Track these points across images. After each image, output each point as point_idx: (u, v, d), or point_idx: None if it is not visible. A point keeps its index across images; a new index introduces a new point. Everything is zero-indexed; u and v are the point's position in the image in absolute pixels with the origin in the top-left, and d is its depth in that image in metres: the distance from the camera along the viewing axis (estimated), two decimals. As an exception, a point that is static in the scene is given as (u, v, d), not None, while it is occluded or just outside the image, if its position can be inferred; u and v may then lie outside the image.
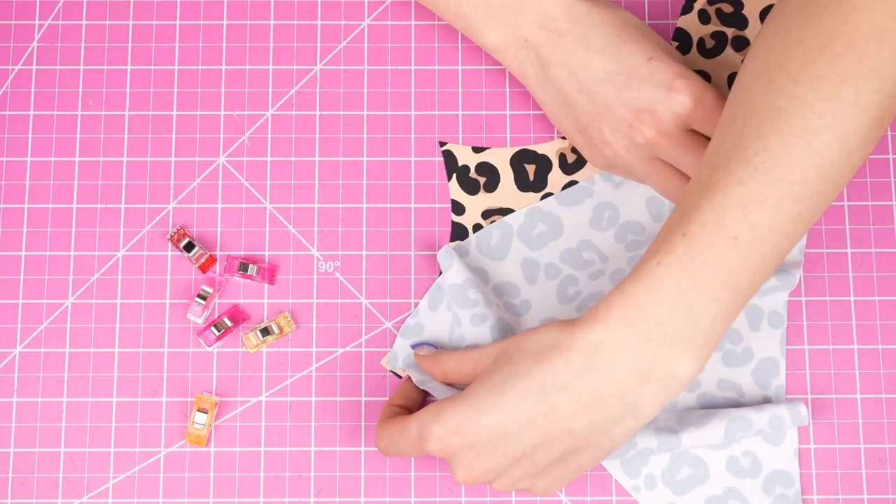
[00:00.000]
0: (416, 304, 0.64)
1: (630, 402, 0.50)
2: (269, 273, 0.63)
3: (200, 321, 0.63)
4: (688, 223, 0.49)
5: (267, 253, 0.65)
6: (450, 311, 0.62)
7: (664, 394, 0.50)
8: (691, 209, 0.50)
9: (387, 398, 0.63)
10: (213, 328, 0.62)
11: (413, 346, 0.62)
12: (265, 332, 0.62)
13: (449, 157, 0.66)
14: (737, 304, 0.49)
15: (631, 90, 0.57)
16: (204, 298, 0.62)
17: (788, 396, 0.63)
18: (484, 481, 0.53)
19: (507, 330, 0.61)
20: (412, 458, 0.62)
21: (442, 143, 0.66)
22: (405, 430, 0.54)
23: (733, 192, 0.48)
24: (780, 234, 0.49)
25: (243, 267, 0.63)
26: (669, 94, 0.56)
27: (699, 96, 0.57)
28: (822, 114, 0.48)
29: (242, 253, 0.65)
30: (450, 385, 0.60)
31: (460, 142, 0.66)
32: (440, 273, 0.64)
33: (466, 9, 0.59)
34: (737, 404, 0.62)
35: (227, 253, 0.65)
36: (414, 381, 0.60)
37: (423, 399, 0.62)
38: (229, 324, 0.62)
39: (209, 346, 0.63)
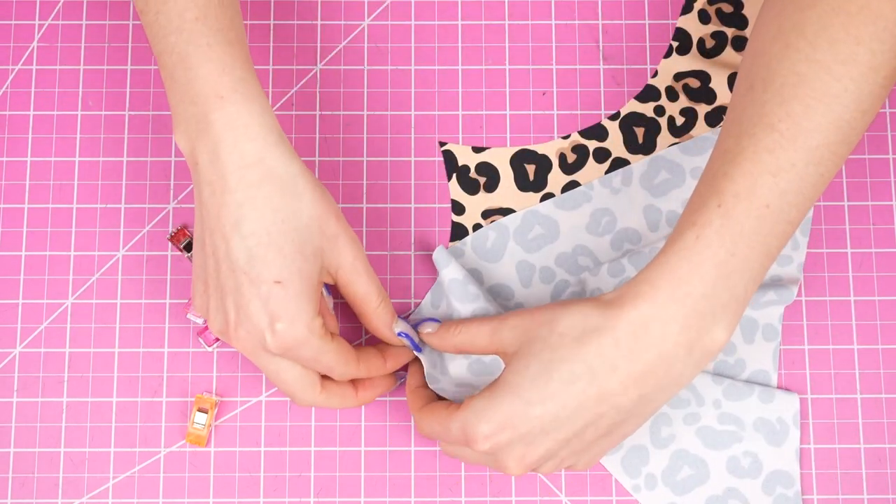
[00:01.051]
0: (417, 304, 0.64)
1: (676, 372, 0.50)
2: None
3: (200, 321, 0.63)
4: (721, 193, 0.50)
5: (267, 253, 0.65)
6: (451, 309, 0.62)
7: (704, 361, 0.51)
8: (721, 178, 0.50)
9: (386, 399, 0.63)
10: None
11: (415, 326, 0.60)
12: None
13: (449, 157, 0.66)
14: (765, 269, 0.51)
15: (244, 296, 0.52)
16: None
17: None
18: (535, 468, 0.53)
19: None
20: (412, 458, 0.63)
21: (442, 143, 0.66)
22: (447, 428, 0.53)
23: (762, 160, 0.49)
24: (805, 198, 0.50)
25: None
26: (267, 330, 0.52)
27: (293, 347, 0.53)
28: (840, 76, 0.49)
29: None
30: (461, 383, 0.60)
31: (460, 142, 0.66)
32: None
33: (170, 95, 0.54)
34: (727, 416, 0.62)
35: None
36: (426, 380, 0.59)
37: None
38: None
39: (209, 346, 0.63)
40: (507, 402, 0.51)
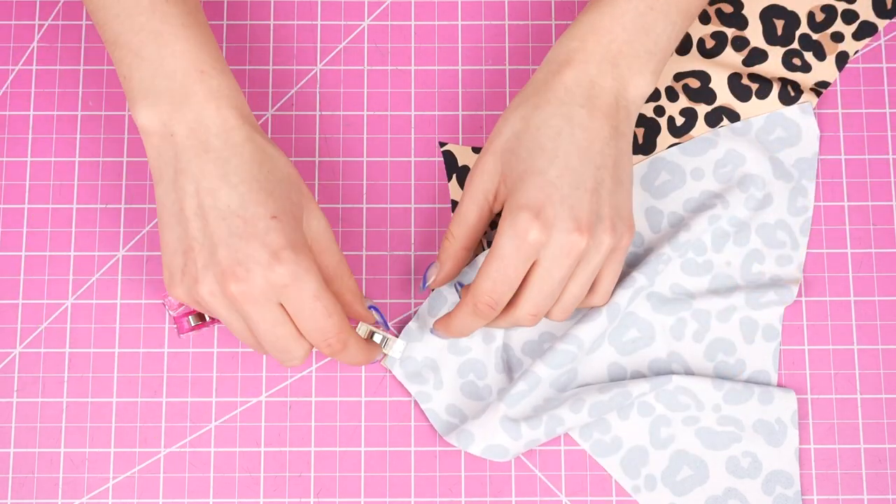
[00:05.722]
0: (416, 304, 0.64)
1: (622, 107, 0.57)
2: None
3: (174, 314, 0.63)
4: None
5: (267, 253, 0.65)
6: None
7: (634, 112, 0.58)
8: None
9: (386, 398, 0.63)
10: (190, 317, 0.62)
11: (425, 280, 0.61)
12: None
13: (449, 158, 0.66)
14: (685, 26, 0.58)
15: (240, 238, 0.52)
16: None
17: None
18: (592, 226, 0.55)
19: (515, 361, 0.62)
20: (412, 458, 0.63)
21: (442, 144, 0.66)
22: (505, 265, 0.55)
23: None
24: None
25: None
26: (271, 261, 0.52)
27: (300, 275, 0.52)
28: None
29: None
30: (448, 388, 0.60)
31: (460, 142, 0.66)
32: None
33: (133, 74, 0.55)
34: (726, 418, 0.62)
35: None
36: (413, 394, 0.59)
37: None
38: (208, 318, 0.62)
39: (181, 334, 0.63)
40: (529, 185, 0.55)
